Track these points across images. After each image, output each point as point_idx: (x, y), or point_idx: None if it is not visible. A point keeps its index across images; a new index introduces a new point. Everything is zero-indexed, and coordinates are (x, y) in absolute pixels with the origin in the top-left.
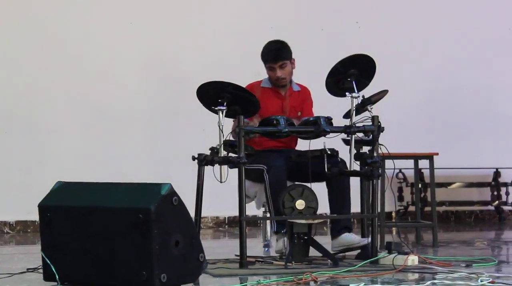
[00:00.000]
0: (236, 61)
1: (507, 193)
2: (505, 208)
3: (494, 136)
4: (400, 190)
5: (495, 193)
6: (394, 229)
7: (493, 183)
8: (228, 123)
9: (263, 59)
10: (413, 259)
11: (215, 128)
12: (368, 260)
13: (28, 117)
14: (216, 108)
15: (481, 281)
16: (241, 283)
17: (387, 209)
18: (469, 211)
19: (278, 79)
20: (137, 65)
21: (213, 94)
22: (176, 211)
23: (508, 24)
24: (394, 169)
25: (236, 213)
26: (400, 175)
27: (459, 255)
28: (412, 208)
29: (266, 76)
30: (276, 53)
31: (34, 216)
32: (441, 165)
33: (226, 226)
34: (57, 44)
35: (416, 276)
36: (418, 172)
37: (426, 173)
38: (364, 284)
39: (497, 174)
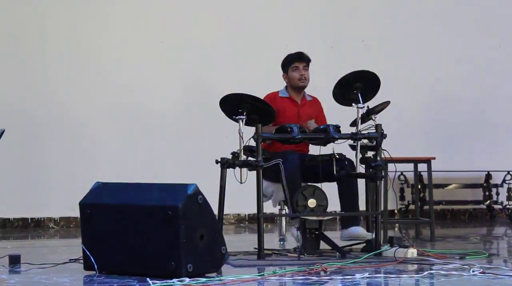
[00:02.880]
0: (259, 75)
1: (497, 193)
2: (496, 206)
3: (485, 142)
4: (402, 190)
5: (487, 193)
6: (396, 225)
7: (485, 184)
8: (248, 131)
9: (287, 61)
10: (412, 252)
11: (236, 135)
12: (372, 253)
13: (73, 125)
14: (236, 117)
15: (472, 271)
16: (258, 273)
17: (389, 207)
18: (464, 210)
19: (301, 79)
20: (170, 80)
21: (234, 105)
22: (201, 208)
23: (495, 42)
24: (396, 171)
25: (255, 210)
26: (402, 177)
27: (454, 248)
28: (412, 207)
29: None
30: (302, 54)
31: (76, 213)
32: (438, 168)
33: (247, 222)
34: (97, 57)
35: (415, 267)
36: (417, 174)
37: (425, 175)
38: (369, 274)
39: (488, 176)
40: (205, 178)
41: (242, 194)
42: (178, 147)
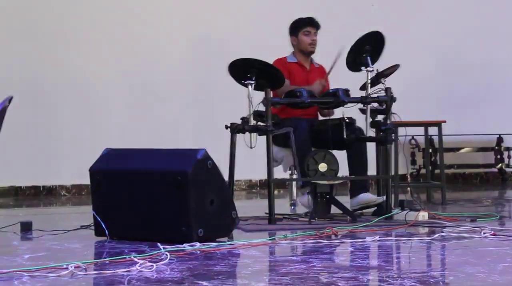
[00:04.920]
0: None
1: (509, 156)
2: (507, 170)
3: (497, 105)
4: (413, 154)
5: (498, 156)
6: (407, 189)
7: (496, 147)
8: (257, 96)
9: (299, 25)
10: (423, 215)
11: (246, 100)
12: (383, 216)
13: (83, 93)
14: (245, 82)
15: (483, 233)
16: (269, 237)
17: (401, 172)
18: (475, 173)
19: (311, 44)
20: (181, 43)
21: (242, 70)
22: (211, 173)
23: (509, 5)
24: (406, 135)
25: (266, 176)
26: (412, 141)
27: (465, 211)
28: (423, 171)
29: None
30: (314, 20)
31: (88, 180)
32: (450, 131)
33: (258, 188)
34: (107, 24)
35: (426, 230)
36: (428, 138)
37: (436, 139)
38: (379, 237)
39: (500, 139)
40: (215, 144)
41: (252, 160)
42: (188, 113)
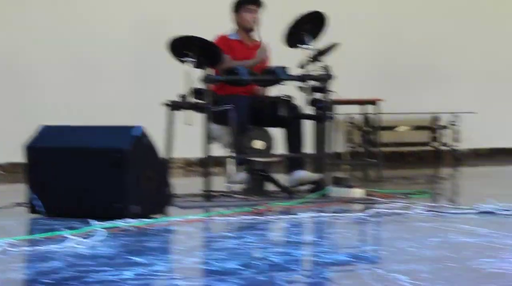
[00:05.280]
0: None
1: (444, 135)
2: (442, 148)
3: (433, 84)
4: (350, 133)
5: (434, 135)
6: (343, 167)
7: (432, 126)
8: (196, 73)
9: (240, 2)
10: (358, 192)
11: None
12: (318, 193)
13: (19, 69)
14: (184, 60)
15: (417, 210)
16: (204, 214)
17: (337, 150)
18: (411, 151)
19: (254, 21)
20: (118, 22)
21: (182, 47)
22: (148, 151)
23: None
24: (344, 113)
25: (203, 154)
26: (349, 119)
27: (399, 189)
28: (360, 149)
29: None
30: None
31: (23, 158)
32: (386, 110)
33: (196, 166)
34: (48, 2)
35: (361, 206)
36: (365, 116)
37: (373, 117)
38: (315, 213)
39: (435, 118)
40: (153, 121)
41: (190, 138)
42: (126, 90)
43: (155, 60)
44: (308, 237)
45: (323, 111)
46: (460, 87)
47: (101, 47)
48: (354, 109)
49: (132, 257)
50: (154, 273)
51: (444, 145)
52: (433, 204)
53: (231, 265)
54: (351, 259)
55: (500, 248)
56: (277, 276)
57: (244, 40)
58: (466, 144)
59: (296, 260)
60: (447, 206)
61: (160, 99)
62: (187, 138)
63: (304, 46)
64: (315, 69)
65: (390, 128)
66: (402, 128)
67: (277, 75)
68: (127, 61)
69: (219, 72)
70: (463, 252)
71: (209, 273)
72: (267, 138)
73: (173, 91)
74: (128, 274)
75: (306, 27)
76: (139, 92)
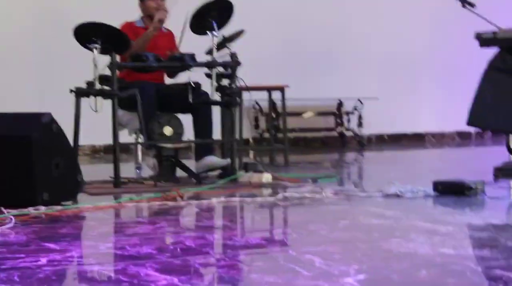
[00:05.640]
0: (114, 3)
1: (348, 120)
2: (347, 133)
3: (337, 70)
4: (256, 119)
5: (338, 120)
6: (250, 152)
7: (336, 112)
8: (104, 60)
9: None
10: (267, 177)
11: (91, 64)
12: (228, 178)
13: None
14: (91, 46)
15: (325, 193)
16: (115, 200)
17: (244, 136)
18: (316, 137)
19: (157, 8)
20: (22, 7)
21: (88, 34)
22: (56, 137)
23: None
24: (250, 100)
25: (110, 141)
26: (256, 106)
27: (306, 173)
28: (266, 135)
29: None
30: None
31: None
32: (292, 96)
33: (102, 153)
34: None
35: (270, 191)
36: (272, 102)
37: (279, 103)
38: (224, 198)
39: (340, 104)
40: (60, 108)
41: (96, 125)
42: (32, 77)
43: (62, 46)
44: (220, 222)
45: (230, 97)
46: (363, 73)
47: (5, 33)
48: (260, 95)
49: (45, 244)
50: (69, 259)
51: (348, 130)
52: (340, 188)
53: (146, 250)
54: (264, 242)
55: (408, 229)
56: (193, 259)
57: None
58: (369, 129)
59: (210, 244)
60: (355, 189)
61: (68, 87)
62: (93, 125)
63: (211, 33)
64: (222, 56)
65: (296, 114)
66: (307, 114)
67: (185, 62)
68: (34, 48)
69: (125, 59)
70: (373, 233)
71: (125, 258)
72: (176, 125)
73: (81, 78)
74: (43, 260)
75: (213, 14)
76: (46, 79)
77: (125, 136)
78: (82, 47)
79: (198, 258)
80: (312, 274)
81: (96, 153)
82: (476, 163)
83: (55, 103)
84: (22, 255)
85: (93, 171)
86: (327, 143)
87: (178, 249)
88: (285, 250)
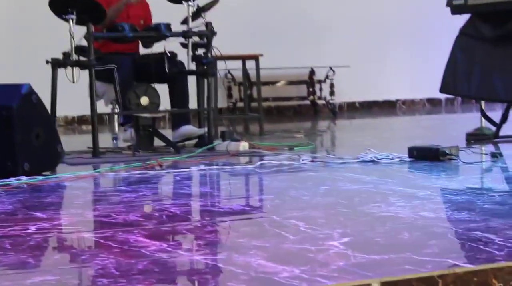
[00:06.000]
0: None
1: (320, 89)
2: (319, 102)
3: (309, 39)
4: (229, 88)
5: (311, 89)
6: (225, 121)
7: (309, 80)
8: (79, 30)
9: None
10: (244, 145)
11: (67, 35)
12: (205, 147)
13: None
14: (66, 17)
15: (302, 160)
16: (95, 170)
17: (219, 105)
18: (289, 106)
19: None
20: None
21: (63, 5)
22: (36, 108)
23: None
24: (225, 69)
25: (84, 112)
26: (229, 75)
27: (282, 142)
28: (240, 104)
29: None
30: None
31: None
32: (266, 65)
33: (76, 124)
34: None
35: (248, 159)
36: (245, 71)
37: (252, 73)
38: (204, 166)
39: (312, 72)
40: (37, 79)
41: (70, 95)
42: (9, 48)
43: (38, 17)
44: (202, 189)
45: (206, 67)
46: (335, 42)
47: None
48: (234, 64)
49: (32, 212)
50: (58, 227)
51: (321, 98)
52: (317, 155)
53: (132, 217)
54: (248, 208)
55: (386, 194)
56: (179, 225)
57: None
58: (341, 97)
59: (195, 211)
60: (331, 156)
61: (45, 57)
62: (67, 95)
63: (186, 2)
64: (197, 25)
65: (268, 83)
66: (280, 83)
67: (161, 32)
68: (9, 19)
69: (101, 29)
70: (353, 198)
71: (112, 225)
72: (153, 94)
73: (57, 49)
74: (32, 228)
75: None
76: (23, 50)
77: (101, 107)
78: (58, 18)
79: (185, 225)
80: (298, 237)
81: (69, 124)
82: (448, 129)
83: (31, 75)
84: (11, 224)
85: (69, 141)
86: (299, 112)
87: (164, 216)
88: (269, 216)
